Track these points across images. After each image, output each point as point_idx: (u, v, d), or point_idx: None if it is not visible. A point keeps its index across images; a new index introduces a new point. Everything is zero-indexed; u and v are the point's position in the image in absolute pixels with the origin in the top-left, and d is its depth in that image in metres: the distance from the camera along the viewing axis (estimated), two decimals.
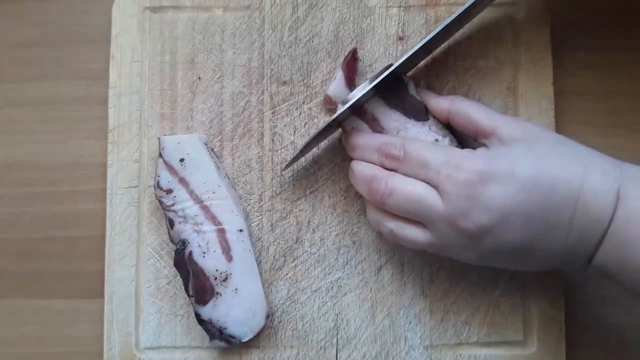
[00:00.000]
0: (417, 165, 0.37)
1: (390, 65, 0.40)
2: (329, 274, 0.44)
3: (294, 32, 0.45)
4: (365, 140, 0.40)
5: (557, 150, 0.35)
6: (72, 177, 0.46)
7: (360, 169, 0.39)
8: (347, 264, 0.44)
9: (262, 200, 0.44)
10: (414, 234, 0.37)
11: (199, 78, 0.45)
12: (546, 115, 0.45)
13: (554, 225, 0.34)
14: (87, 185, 0.46)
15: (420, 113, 0.41)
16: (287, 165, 0.43)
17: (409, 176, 0.37)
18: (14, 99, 0.47)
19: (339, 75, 0.43)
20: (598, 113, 0.46)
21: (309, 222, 0.44)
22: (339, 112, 0.40)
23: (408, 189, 0.36)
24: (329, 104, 0.44)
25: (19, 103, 0.47)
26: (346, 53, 0.44)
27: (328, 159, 0.44)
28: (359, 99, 0.39)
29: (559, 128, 0.45)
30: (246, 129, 0.45)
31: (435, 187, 0.36)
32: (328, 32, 0.45)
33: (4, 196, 0.46)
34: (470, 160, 0.35)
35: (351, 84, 0.43)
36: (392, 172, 0.38)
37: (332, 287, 0.44)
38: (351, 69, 0.43)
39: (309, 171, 0.44)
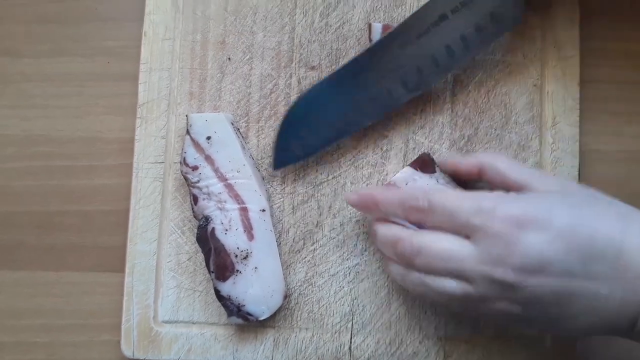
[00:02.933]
0: (444, 216, 0.34)
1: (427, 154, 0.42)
2: (347, 259, 0.44)
3: (325, 17, 0.45)
4: (386, 196, 0.37)
5: (594, 202, 0.34)
6: (90, 152, 0.47)
7: (383, 232, 0.37)
8: (365, 250, 0.44)
9: (284, 183, 0.45)
10: (446, 285, 0.34)
11: (229, 59, 0.45)
12: (571, 114, 0.45)
13: (595, 277, 0.32)
14: (106, 160, 0.47)
15: (428, 166, 0.42)
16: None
17: (437, 228, 0.35)
18: (31, 73, 0.47)
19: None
20: (616, 102, 0.47)
21: (330, 207, 0.44)
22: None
23: (436, 246, 0.34)
24: None
25: (37, 78, 0.47)
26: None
27: (352, 145, 0.45)
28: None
29: None
30: (272, 111, 0.45)
31: (466, 236, 0.34)
32: (359, 20, 0.45)
33: (22, 169, 0.47)
34: (504, 206, 0.33)
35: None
36: (416, 231, 0.36)
37: (349, 273, 0.44)
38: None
39: (332, 156, 0.45)
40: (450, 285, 0.34)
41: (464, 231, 0.34)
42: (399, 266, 0.37)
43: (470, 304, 0.35)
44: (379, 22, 0.45)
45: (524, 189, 0.36)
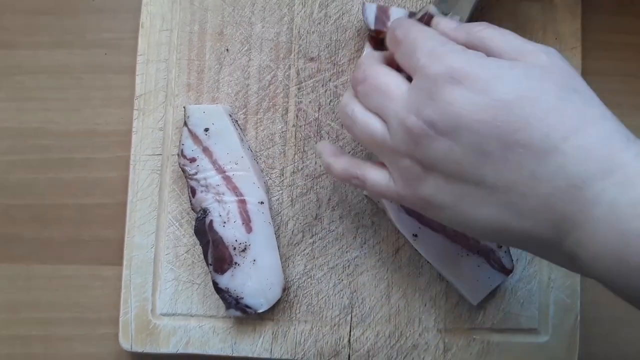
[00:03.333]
0: (407, 50, 0.32)
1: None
2: (346, 252, 0.44)
3: (324, 8, 0.45)
4: (400, 23, 0.35)
5: (563, 92, 0.28)
6: (87, 145, 0.46)
7: (364, 60, 0.35)
8: (365, 243, 0.44)
9: (283, 175, 0.44)
10: (370, 122, 0.32)
11: (227, 50, 0.45)
12: None
13: (514, 168, 0.27)
14: (103, 153, 0.46)
15: None
16: None
17: (402, 63, 0.33)
18: (28, 66, 0.47)
19: (368, 50, 0.43)
20: (619, 94, 0.46)
21: (329, 199, 0.44)
22: None
23: (380, 79, 0.32)
24: None
25: (33, 70, 0.47)
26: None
27: (351, 137, 0.44)
28: None
29: None
30: (271, 103, 0.45)
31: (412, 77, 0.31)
32: (358, 10, 0.45)
33: (19, 162, 0.46)
34: (453, 55, 0.29)
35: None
36: (377, 64, 0.34)
37: (348, 265, 0.44)
38: (376, 41, 0.43)
39: None
40: (374, 124, 0.32)
41: (412, 70, 0.31)
42: (350, 93, 0.35)
43: (385, 154, 0.32)
44: None
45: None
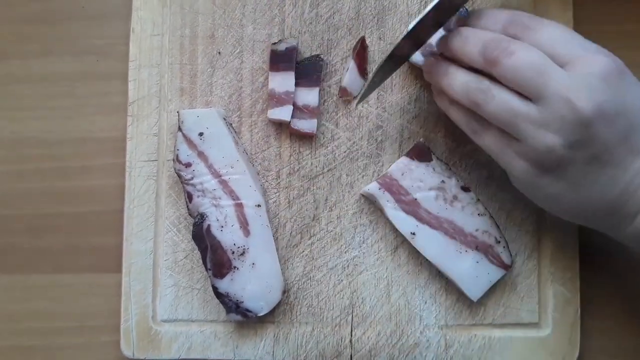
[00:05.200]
0: (563, 43, 0.35)
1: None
2: (345, 252, 0.44)
3: (315, 8, 0.45)
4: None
5: None
6: (81, 153, 0.46)
7: (474, 33, 0.36)
8: (363, 242, 0.44)
9: (279, 177, 0.44)
10: (512, 100, 0.35)
11: (219, 53, 0.45)
12: None
13: (630, 149, 0.34)
14: (97, 160, 0.46)
15: (424, 154, 0.42)
16: (359, 101, 0.42)
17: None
18: (20, 75, 0.47)
19: (351, 65, 0.43)
20: None
21: (326, 200, 0.44)
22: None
23: (533, 55, 0.34)
24: (345, 95, 0.44)
25: (25, 79, 0.47)
26: (356, 41, 0.44)
27: (347, 137, 0.44)
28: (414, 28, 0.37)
29: None
30: (265, 105, 0.44)
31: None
32: (349, 9, 0.45)
33: (13, 172, 0.46)
34: (606, 54, 0.35)
35: (363, 73, 0.44)
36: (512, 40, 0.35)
37: (348, 265, 0.44)
38: (361, 57, 0.44)
39: (327, 149, 0.44)
40: (514, 99, 0.34)
41: (569, 61, 0.34)
42: (465, 73, 0.36)
43: (524, 126, 0.34)
44: (370, 11, 0.44)
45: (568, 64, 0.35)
